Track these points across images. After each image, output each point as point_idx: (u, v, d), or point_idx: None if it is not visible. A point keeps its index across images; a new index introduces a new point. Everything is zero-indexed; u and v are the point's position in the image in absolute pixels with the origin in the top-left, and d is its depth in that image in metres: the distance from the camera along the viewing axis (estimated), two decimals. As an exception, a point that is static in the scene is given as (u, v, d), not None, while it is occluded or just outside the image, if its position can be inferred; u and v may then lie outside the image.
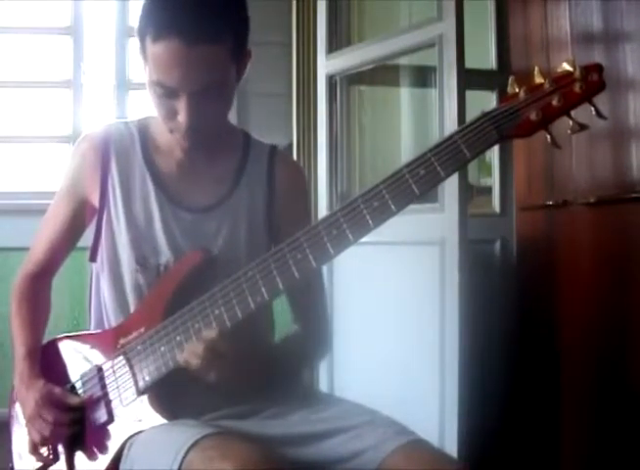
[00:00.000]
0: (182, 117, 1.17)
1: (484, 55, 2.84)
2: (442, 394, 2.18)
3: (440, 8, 2.23)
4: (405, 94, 3.08)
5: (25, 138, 3.31)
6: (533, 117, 1.05)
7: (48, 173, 3.24)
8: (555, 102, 1.05)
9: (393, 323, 2.36)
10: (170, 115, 1.19)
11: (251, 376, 1.27)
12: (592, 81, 1.04)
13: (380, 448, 1.13)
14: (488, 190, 2.90)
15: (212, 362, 1.12)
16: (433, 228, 2.21)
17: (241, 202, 1.30)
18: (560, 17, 2.24)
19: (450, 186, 2.15)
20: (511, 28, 2.60)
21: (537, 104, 1.06)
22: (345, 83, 2.77)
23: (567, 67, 1.06)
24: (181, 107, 1.17)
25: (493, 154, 2.83)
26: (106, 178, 1.29)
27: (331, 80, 2.72)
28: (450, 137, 1.07)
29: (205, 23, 1.12)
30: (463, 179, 2.17)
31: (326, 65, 2.72)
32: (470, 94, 2.20)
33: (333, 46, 2.72)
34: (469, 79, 2.23)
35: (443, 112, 2.21)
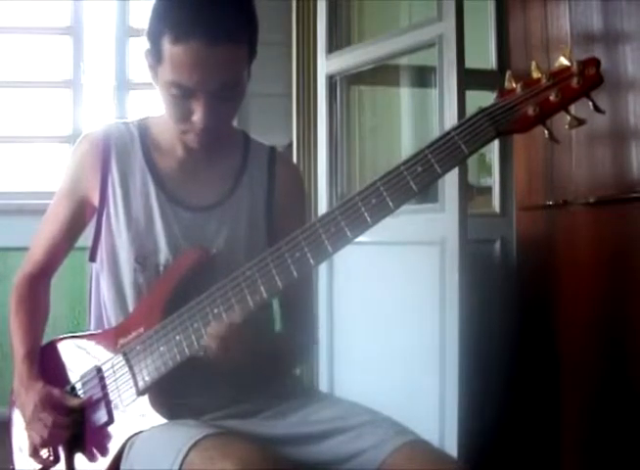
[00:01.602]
0: (198, 118, 1.17)
1: (484, 55, 2.84)
2: (442, 394, 2.18)
3: (440, 8, 2.23)
4: (405, 94, 3.07)
5: (25, 138, 3.31)
6: (531, 112, 1.05)
7: (48, 173, 3.24)
8: (552, 97, 1.04)
9: (393, 323, 2.36)
10: (185, 115, 1.19)
11: (254, 371, 1.27)
12: (589, 76, 1.04)
13: (380, 448, 1.13)
14: (488, 190, 2.90)
15: (232, 346, 1.13)
16: (433, 228, 2.21)
17: (241, 201, 1.31)
18: (560, 17, 2.24)
19: (450, 186, 2.15)
20: (511, 28, 2.60)
21: (535, 99, 1.05)
22: (345, 83, 2.77)
23: (564, 61, 1.05)
24: (198, 107, 1.16)
25: (493, 154, 2.83)
26: (106, 178, 1.29)
27: (331, 80, 2.72)
28: (447, 134, 1.06)
29: (225, 22, 1.13)
30: (463, 179, 2.16)
31: (326, 65, 2.72)
32: (470, 94, 2.20)
33: (333, 46, 2.72)
34: (469, 79, 2.22)
35: (443, 112, 2.21)
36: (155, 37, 1.16)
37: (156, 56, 1.17)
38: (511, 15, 2.60)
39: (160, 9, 1.16)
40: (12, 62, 3.25)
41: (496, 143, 2.76)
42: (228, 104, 1.20)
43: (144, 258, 1.25)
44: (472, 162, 3.03)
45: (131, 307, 1.27)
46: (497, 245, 2.75)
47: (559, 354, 2.27)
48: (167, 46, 1.14)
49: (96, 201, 1.30)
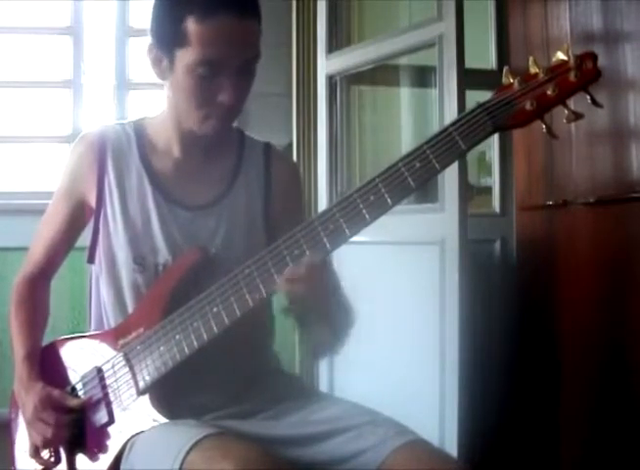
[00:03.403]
0: (228, 94, 1.17)
1: (484, 55, 2.84)
2: (442, 394, 2.18)
3: (440, 8, 2.23)
4: (405, 94, 3.08)
5: (25, 138, 3.31)
6: (528, 106, 1.05)
7: (48, 173, 3.24)
8: (550, 91, 1.05)
9: (393, 323, 2.36)
10: (210, 97, 1.19)
11: (249, 374, 1.27)
12: (587, 70, 1.04)
13: (380, 448, 1.13)
14: (488, 190, 2.90)
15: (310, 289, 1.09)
16: (433, 228, 2.21)
17: (238, 199, 1.30)
18: (560, 17, 2.24)
19: (450, 186, 2.15)
20: (511, 28, 2.60)
21: (532, 93, 1.05)
22: (345, 83, 2.77)
23: (561, 56, 1.05)
24: (226, 84, 1.17)
25: (493, 153, 2.83)
26: (102, 179, 1.29)
27: (331, 80, 2.72)
28: (445, 129, 1.06)
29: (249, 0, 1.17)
30: (463, 179, 2.16)
31: (326, 65, 2.72)
32: (470, 94, 2.20)
33: (333, 46, 2.72)
34: (469, 79, 2.23)
35: (443, 112, 2.21)
36: (176, 21, 1.16)
37: (177, 40, 1.16)
38: (511, 15, 2.61)
39: None
40: (12, 62, 3.25)
41: (496, 143, 2.76)
42: (249, 82, 1.22)
43: (142, 259, 1.25)
44: (472, 161, 3.03)
45: (131, 308, 1.27)
46: (497, 245, 2.75)
47: (559, 354, 2.27)
48: (194, 26, 1.14)
49: (93, 202, 1.30)
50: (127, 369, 1.21)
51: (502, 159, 2.77)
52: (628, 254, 1.97)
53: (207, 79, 1.17)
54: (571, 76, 1.04)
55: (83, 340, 1.32)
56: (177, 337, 1.16)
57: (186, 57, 1.16)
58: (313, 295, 1.10)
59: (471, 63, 2.33)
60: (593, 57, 1.04)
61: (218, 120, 1.22)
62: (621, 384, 1.99)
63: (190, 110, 1.22)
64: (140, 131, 1.33)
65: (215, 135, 1.25)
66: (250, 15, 1.16)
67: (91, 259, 1.31)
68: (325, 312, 1.17)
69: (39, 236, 1.37)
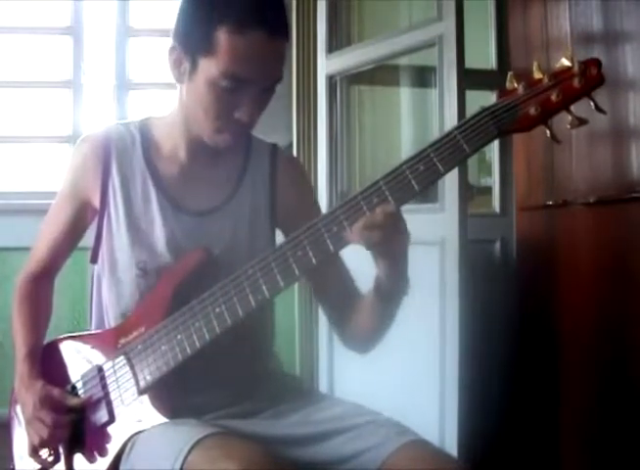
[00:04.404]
0: (246, 111, 1.16)
1: (484, 55, 2.84)
2: (442, 395, 2.18)
3: (440, 8, 2.23)
4: (405, 94, 3.08)
5: (25, 138, 3.31)
6: (532, 111, 1.05)
7: (48, 173, 3.24)
8: (554, 97, 1.05)
9: (393, 323, 2.36)
10: (227, 111, 1.17)
11: (250, 374, 1.27)
12: (591, 76, 1.04)
13: (381, 448, 1.13)
14: (488, 190, 2.90)
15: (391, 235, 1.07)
16: (433, 228, 2.21)
17: (243, 203, 1.30)
18: (560, 17, 2.24)
19: (450, 186, 2.15)
20: (511, 28, 2.60)
21: (536, 99, 1.05)
22: (345, 83, 2.77)
23: (565, 62, 1.06)
24: (247, 101, 1.16)
25: (493, 154, 2.83)
26: (107, 180, 1.28)
27: (331, 80, 2.72)
28: (450, 133, 1.06)
29: (282, 18, 1.15)
30: (463, 179, 2.17)
31: (326, 65, 2.72)
32: (470, 94, 2.20)
33: (333, 46, 2.73)
34: (469, 79, 2.23)
35: (443, 112, 2.21)
36: (206, 28, 1.12)
37: (203, 48, 1.13)
38: (511, 15, 2.61)
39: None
40: (12, 62, 3.25)
41: (496, 143, 2.76)
42: (267, 101, 1.21)
43: (145, 263, 1.24)
44: (472, 162, 3.03)
45: (131, 311, 1.26)
46: (497, 245, 2.75)
47: (559, 354, 2.27)
48: (225, 36, 1.11)
49: (97, 203, 1.29)
50: (128, 368, 1.20)
51: (502, 159, 2.78)
52: (628, 254, 1.97)
53: (228, 93, 1.14)
54: (576, 82, 1.04)
55: (84, 339, 1.32)
56: (179, 336, 1.16)
57: (211, 66, 1.13)
58: (390, 242, 1.09)
59: (471, 63, 2.33)
60: (597, 63, 1.04)
61: (231, 135, 1.20)
62: (622, 384, 1.99)
63: (203, 119, 1.20)
64: (146, 132, 1.31)
65: (225, 148, 1.24)
66: (281, 35, 1.14)
67: (94, 260, 1.31)
68: (397, 263, 1.15)
69: (42, 235, 1.37)
